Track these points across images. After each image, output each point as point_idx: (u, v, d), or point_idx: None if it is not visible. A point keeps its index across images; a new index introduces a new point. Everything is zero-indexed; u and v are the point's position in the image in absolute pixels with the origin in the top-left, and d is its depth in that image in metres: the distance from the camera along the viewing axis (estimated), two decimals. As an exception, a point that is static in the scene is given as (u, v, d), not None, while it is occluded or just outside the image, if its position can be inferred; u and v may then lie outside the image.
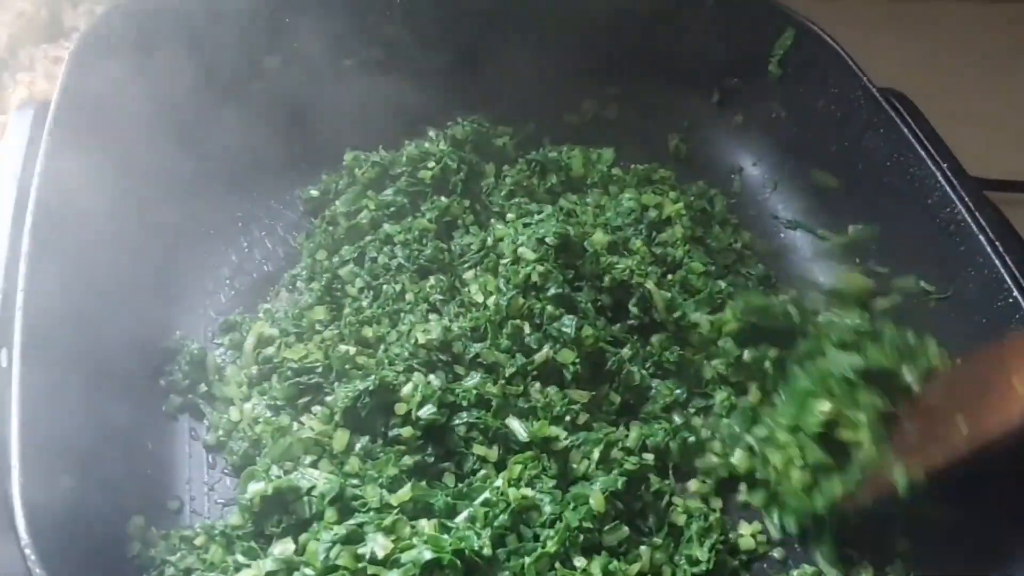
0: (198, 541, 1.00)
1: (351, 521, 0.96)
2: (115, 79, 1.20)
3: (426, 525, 0.96)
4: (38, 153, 1.07)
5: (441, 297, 1.20)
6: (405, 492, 0.99)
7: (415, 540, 0.94)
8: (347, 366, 1.12)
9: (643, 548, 1.03)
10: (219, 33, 1.31)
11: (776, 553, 1.10)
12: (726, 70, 1.49)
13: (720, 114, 1.52)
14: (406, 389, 1.07)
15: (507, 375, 1.12)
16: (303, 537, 0.96)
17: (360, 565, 0.91)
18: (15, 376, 0.90)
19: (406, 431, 1.05)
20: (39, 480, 0.86)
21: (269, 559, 0.94)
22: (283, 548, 0.95)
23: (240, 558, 0.96)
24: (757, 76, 1.44)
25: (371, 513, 0.97)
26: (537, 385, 1.13)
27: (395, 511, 0.98)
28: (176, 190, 1.27)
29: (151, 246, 1.22)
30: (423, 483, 1.02)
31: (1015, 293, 1.09)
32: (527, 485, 1.02)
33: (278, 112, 1.39)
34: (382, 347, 1.15)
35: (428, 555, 0.91)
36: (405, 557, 0.91)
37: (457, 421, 1.07)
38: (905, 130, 1.24)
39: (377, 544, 0.92)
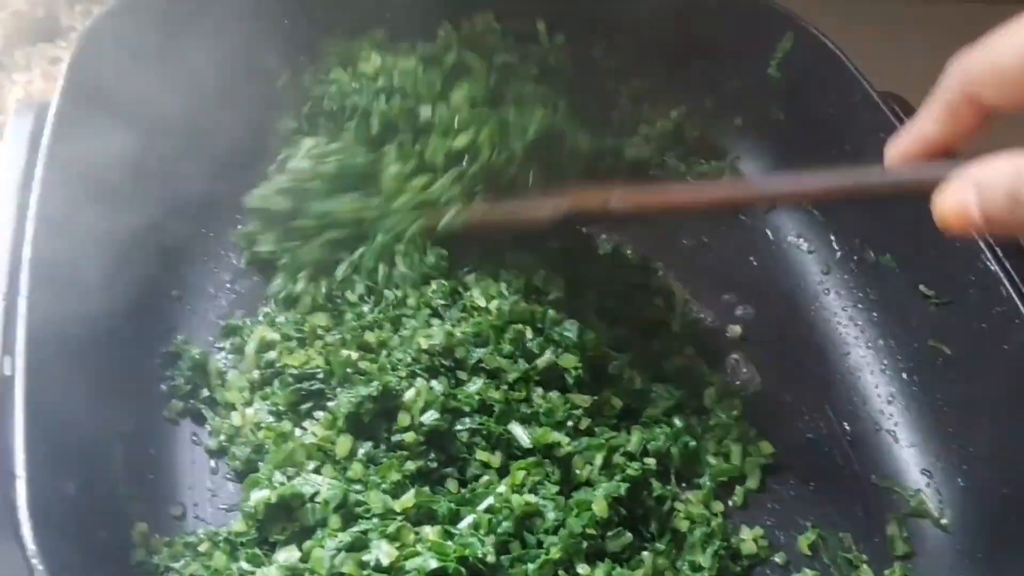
0: (202, 548, 0.99)
1: (355, 528, 0.96)
2: (115, 80, 1.19)
3: (430, 531, 0.97)
4: (38, 157, 1.05)
5: (443, 302, 1.20)
6: (409, 498, 0.99)
7: (419, 547, 0.94)
8: (349, 371, 1.11)
9: (646, 554, 1.03)
10: (220, 32, 1.30)
11: (778, 558, 1.11)
12: (725, 72, 1.49)
13: (719, 116, 1.52)
14: (409, 395, 1.07)
15: (510, 380, 1.12)
16: (307, 544, 0.96)
17: (365, 573, 0.92)
18: (19, 384, 0.89)
19: (409, 436, 1.05)
20: (44, 489, 0.85)
21: (274, 566, 0.94)
22: (288, 555, 0.95)
23: (245, 565, 0.96)
24: (756, 79, 1.44)
25: (375, 520, 0.97)
26: (539, 390, 1.13)
27: (399, 518, 0.98)
28: (178, 192, 1.26)
29: (152, 250, 1.21)
30: (426, 489, 1.02)
31: (1014, 298, 1.09)
32: (530, 491, 1.02)
33: (281, 112, 1.38)
34: (384, 352, 1.15)
35: (433, 563, 0.91)
36: (410, 565, 0.92)
37: (460, 427, 1.07)
38: (905, 134, 1.24)
39: (382, 552, 0.93)
